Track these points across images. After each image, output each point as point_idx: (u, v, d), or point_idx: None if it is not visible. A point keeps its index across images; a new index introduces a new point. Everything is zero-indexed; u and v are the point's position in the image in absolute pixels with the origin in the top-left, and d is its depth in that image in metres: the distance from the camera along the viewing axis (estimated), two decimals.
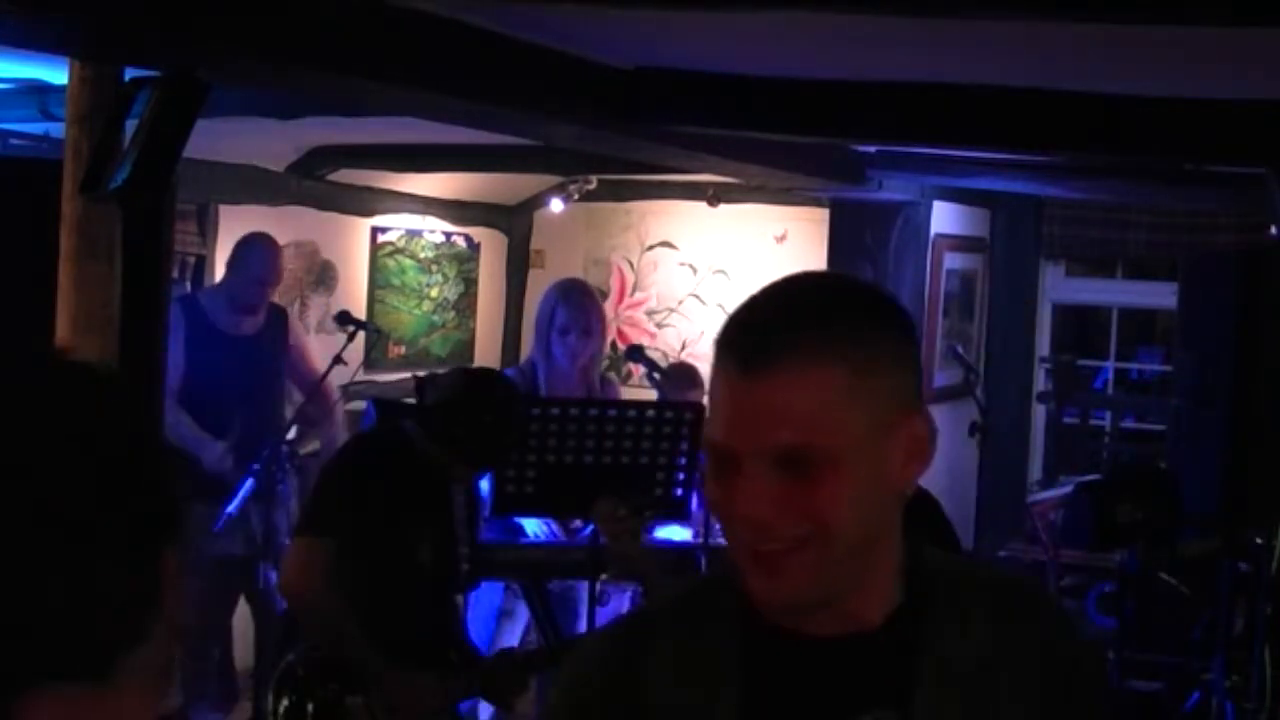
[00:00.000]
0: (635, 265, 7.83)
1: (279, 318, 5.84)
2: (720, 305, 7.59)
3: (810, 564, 1.38)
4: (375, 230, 7.27)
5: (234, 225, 6.27)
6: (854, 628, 1.44)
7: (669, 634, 1.48)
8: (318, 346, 6.12)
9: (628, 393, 5.76)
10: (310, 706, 3.62)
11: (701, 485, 5.00)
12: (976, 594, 1.51)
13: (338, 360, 5.54)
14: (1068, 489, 5.60)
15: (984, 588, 1.52)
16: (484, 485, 4.44)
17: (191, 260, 6.29)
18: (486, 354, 7.95)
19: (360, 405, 5.62)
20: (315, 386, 5.60)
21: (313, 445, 5.65)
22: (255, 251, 5.61)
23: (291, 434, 5.45)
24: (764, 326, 1.39)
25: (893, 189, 6.44)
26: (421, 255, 7.56)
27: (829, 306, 1.41)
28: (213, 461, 5.28)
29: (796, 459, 1.35)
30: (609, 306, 7.44)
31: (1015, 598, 1.54)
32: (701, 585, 1.59)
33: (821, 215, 7.00)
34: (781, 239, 7.48)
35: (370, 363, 6.32)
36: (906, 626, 1.45)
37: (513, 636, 5.17)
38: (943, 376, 6.83)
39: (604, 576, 4.41)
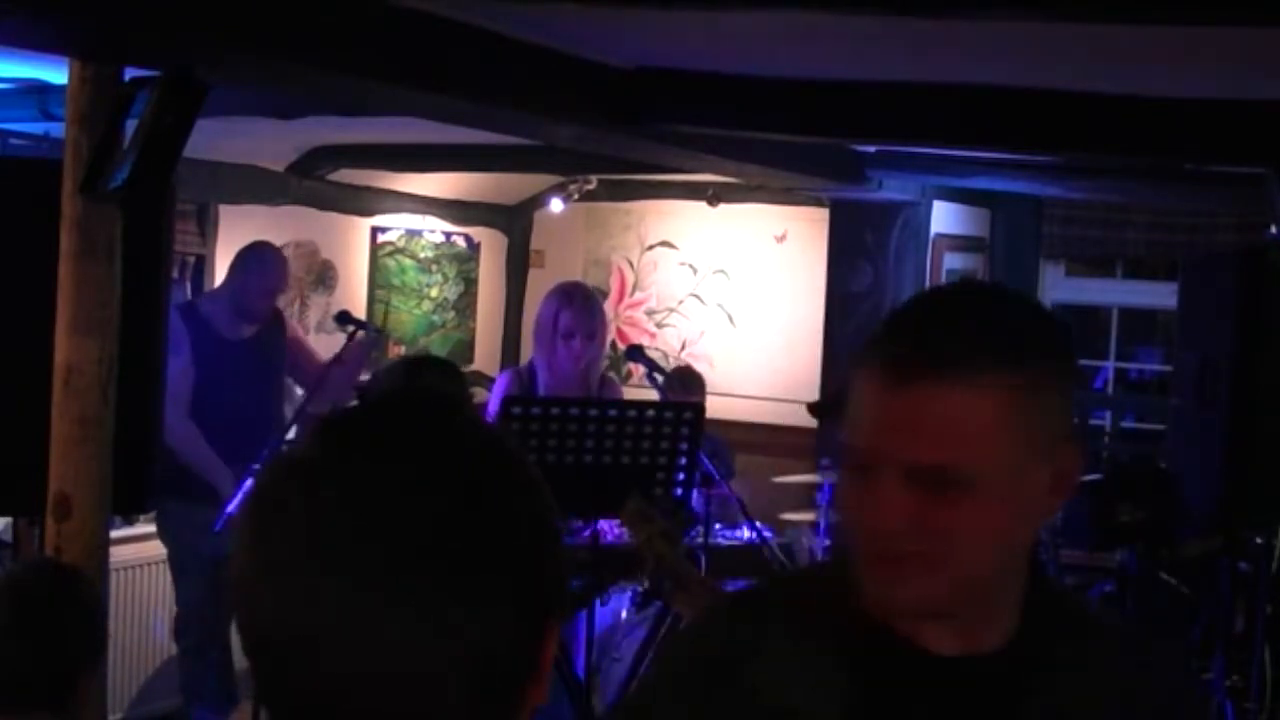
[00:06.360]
0: (635, 265, 7.83)
1: (277, 321, 5.83)
2: (720, 305, 7.59)
3: (929, 583, 1.32)
4: (375, 230, 7.27)
5: (234, 225, 6.27)
6: (969, 649, 1.38)
7: (786, 623, 1.42)
8: (318, 346, 6.12)
9: (628, 393, 5.76)
10: None
11: (702, 485, 5.02)
12: (1101, 639, 1.45)
13: (338, 360, 5.54)
14: None
15: (1108, 633, 1.47)
16: None
17: (191, 260, 6.29)
18: (486, 354, 7.95)
19: None
20: (319, 383, 5.56)
21: None
22: (263, 260, 5.59)
23: (291, 434, 5.45)
24: (919, 336, 1.31)
25: (893, 189, 6.44)
26: (421, 255, 7.56)
27: (994, 323, 1.32)
28: (219, 484, 5.30)
29: (934, 478, 1.28)
30: (609, 306, 7.44)
31: (1139, 648, 1.48)
32: (819, 576, 1.52)
33: (821, 215, 7.00)
34: (781, 239, 7.47)
35: (370, 363, 6.31)
36: (1022, 658, 1.38)
37: None
38: None
39: (645, 584, 4.37)
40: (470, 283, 7.89)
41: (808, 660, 1.39)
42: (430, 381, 4.24)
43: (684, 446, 4.46)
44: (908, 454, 1.28)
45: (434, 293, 7.66)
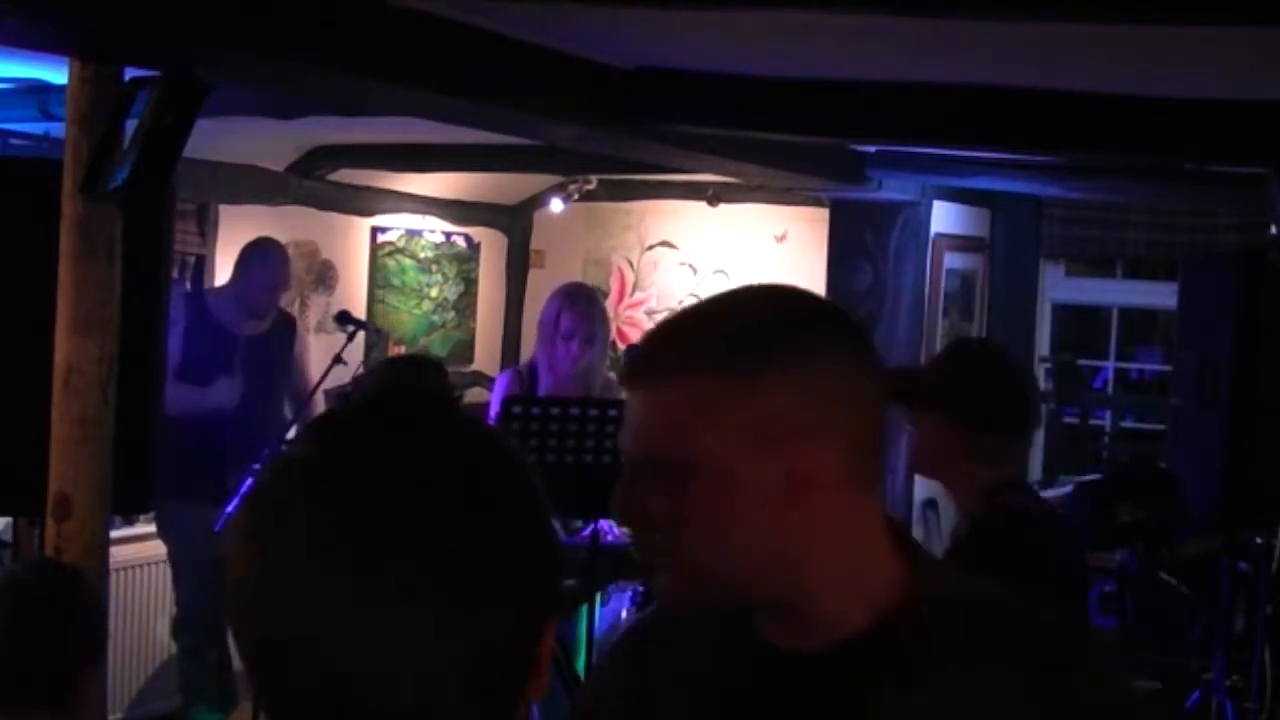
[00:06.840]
0: (635, 265, 7.83)
1: (287, 325, 5.85)
2: None
3: (675, 574, 1.37)
4: (375, 230, 7.27)
5: (234, 225, 6.28)
6: (804, 646, 1.36)
7: (672, 635, 1.48)
8: (318, 346, 6.12)
9: None
10: None
11: None
12: (998, 634, 1.35)
13: (338, 360, 5.55)
14: (1068, 489, 5.60)
15: (1011, 628, 1.37)
16: None
17: (191, 260, 6.29)
18: (486, 354, 7.95)
19: None
20: (302, 401, 5.61)
21: None
22: (265, 257, 5.62)
23: (291, 435, 5.45)
24: (645, 338, 1.40)
25: (893, 189, 6.44)
26: (421, 255, 7.56)
27: (709, 321, 1.36)
28: (222, 400, 5.33)
29: (648, 470, 1.33)
30: (609, 306, 7.43)
31: (1046, 644, 1.37)
32: None
33: (821, 215, 7.00)
34: (781, 239, 7.48)
35: (370, 363, 6.32)
36: (869, 654, 1.33)
37: None
38: None
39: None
40: (470, 283, 7.89)
41: (687, 671, 1.45)
42: (418, 382, 4.25)
43: None
44: (626, 449, 1.37)
45: (434, 293, 7.66)
